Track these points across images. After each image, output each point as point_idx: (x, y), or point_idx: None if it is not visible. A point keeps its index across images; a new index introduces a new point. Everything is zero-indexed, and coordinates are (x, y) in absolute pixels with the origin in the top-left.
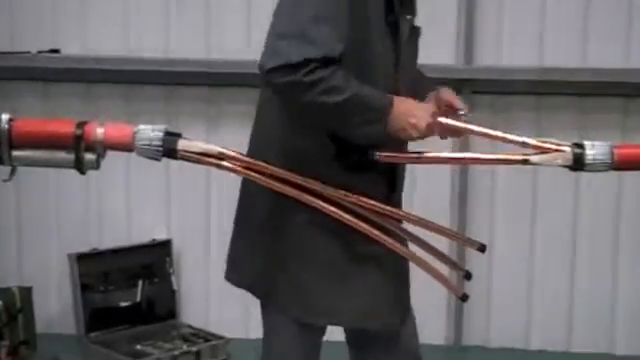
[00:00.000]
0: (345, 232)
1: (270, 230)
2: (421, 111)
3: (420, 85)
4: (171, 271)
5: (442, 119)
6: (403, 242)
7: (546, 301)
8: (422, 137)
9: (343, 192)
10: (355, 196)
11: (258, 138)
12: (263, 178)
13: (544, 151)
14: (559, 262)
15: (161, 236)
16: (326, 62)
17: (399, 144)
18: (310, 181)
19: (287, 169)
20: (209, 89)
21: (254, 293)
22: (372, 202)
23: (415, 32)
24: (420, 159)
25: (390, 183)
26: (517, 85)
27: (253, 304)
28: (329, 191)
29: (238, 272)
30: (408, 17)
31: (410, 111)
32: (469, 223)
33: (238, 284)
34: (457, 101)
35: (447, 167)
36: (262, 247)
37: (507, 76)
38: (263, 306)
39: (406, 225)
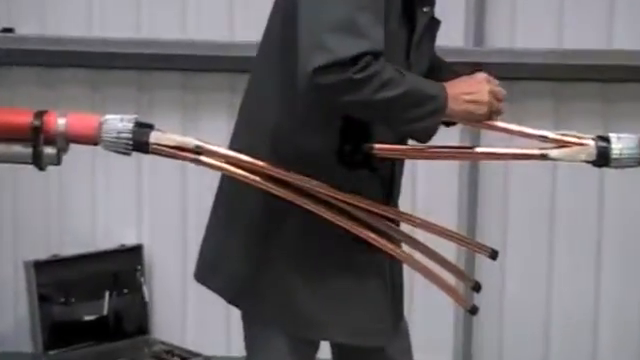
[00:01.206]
0: (341, 238)
1: (258, 232)
2: (475, 83)
3: (438, 73)
4: (142, 280)
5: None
6: (399, 247)
7: (567, 314)
8: (491, 110)
9: (340, 193)
10: (352, 195)
11: (247, 130)
12: (248, 176)
13: (564, 145)
14: (582, 270)
15: (131, 241)
16: (376, 55)
17: (398, 139)
18: (304, 179)
19: (282, 167)
20: (186, 74)
21: (235, 302)
22: (369, 202)
23: (433, 25)
24: (423, 153)
25: (387, 186)
26: (533, 70)
27: (235, 317)
28: (324, 191)
29: (217, 276)
30: (425, 9)
31: (463, 88)
32: (479, 226)
33: (218, 290)
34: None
35: (454, 163)
36: (247, 250)
37: (522, 59)
38: (246, 317)
39: (407, 229)
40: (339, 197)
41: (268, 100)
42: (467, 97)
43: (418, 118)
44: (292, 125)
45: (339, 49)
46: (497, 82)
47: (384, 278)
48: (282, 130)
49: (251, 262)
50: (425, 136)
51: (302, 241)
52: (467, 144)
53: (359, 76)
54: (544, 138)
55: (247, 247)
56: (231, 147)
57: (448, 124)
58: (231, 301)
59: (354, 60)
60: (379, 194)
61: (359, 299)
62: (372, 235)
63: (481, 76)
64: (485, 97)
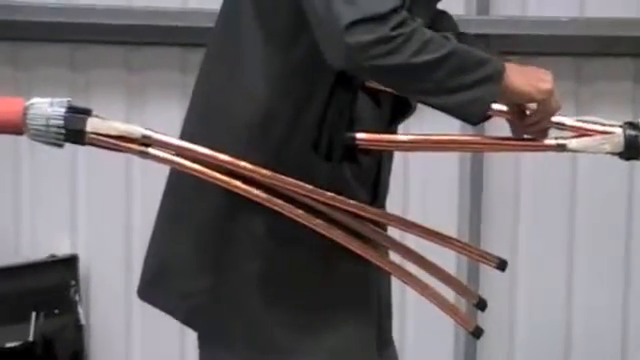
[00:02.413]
0: (317, 245)
1: (215, 238)
2: (537, 70)
3: None
4: (77, 299)
5: None
6: (386, 255)
7: (591, 337)
8: (548, 97)
9: (317, 191)
10: (331, 195)
11: (205, 114)
12: (206, 171)
13: (586, 133)
14: (608, 284)
15: (63, 251)
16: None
17: (385, 126)
18: (275, 176)
19: (249, 158)
20: (129, 49)
21: (189, 322)
22: (352, 203)
23: None
24: (416, 144)
25: (372, 184)
26: (549, 43)
27: (191, 341)
28: (298, 189)
29: (166, 292)
30: None
31: (522, 69)
32: (485, 231)
33: (167, 309)
34: None
35: (454, 155)
36: (201, 260)
37: (534, 30)
38: (202, 341)
39: (397, 234)
40: (315, 196)
41: (238, 83)
42: (526, 78)
43: (466, 86)
44: (271, 103)
45: (371, 2)
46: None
47: (369, 295)
48: (264, 121)
49: (206, 274)
50: (475, 111)
51: (269, 249)
52: (469, 133)
53: (396, 33)
54: (561, 125)
55: (201, 256)
56: (183, 136)
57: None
58: (185, 321)
59: (389, 15)
60: (363, 194)
61: (338, 320)
62: (355, 242)
63: (545, 71)
64: (547, 85)
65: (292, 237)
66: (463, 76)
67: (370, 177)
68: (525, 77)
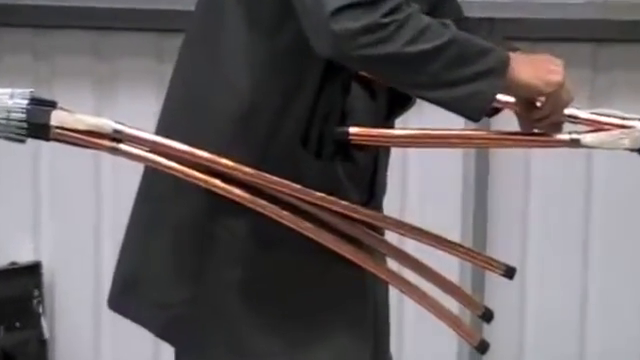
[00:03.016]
0: (305, 249)
1: (193, 243)
2: (548, 60)
3: None
4: (40, 310)
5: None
6: (383, 262)
7: (607, 351)
8: (558, 89)
9: (306, 191)
10: (321, 195)
11: (184, 106)
12: (184, 170)
13: (601, 127)
14: (627, 294)
15: (25, 258)
16: None
17: (382, 120)
18: (261, 175)
19: (233, 154)
20: (97, 34)
21: (165, 336)
22: (345, 204)
23: None
24: (416, 140)
25: (367, 184)
26: (562, 27)
27: (166, 356)
28: (286, 190)
29: (140, 302)
30: None
31: (530, 59)
32: (490, 235)
33: (140, 321)
34: None
35: (457, 151)
36: (178, 267)
37: (545, 14)
38: (180, 355)
39: (395, 239)
40: (303, 196)
41: (220, 72)
42: (534, 70)
43: (466, 79)
44: (255, 92)
45: None
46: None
47: (365, 302)
48: (248, 114)
49: (185, 283)
50: (476, 106)
51: (252, 253)
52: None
53: (388, 19)
54: (574, 119)
55: (179, 263)
56: (159, 131)
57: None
58: (161, 335)
59: (381, 0)
60: (357, 194)
61: (330, 331)
62: (347, 247)
63: (558, 60)
64: (558, 77)
65: (277, 239)
66: (462, 68)
67: (366, 176)
68: (533, 68)
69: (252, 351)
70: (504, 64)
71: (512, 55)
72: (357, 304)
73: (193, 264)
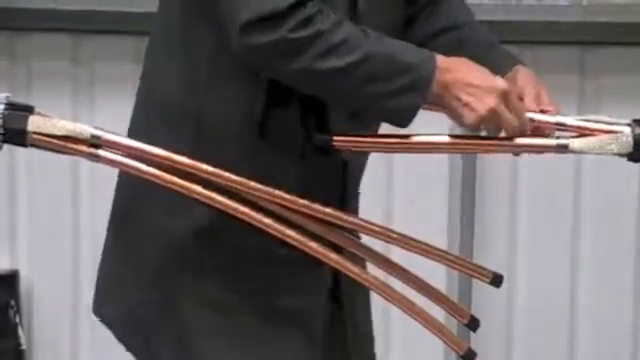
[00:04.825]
0: (265, 250)
1: (148, 242)
2: (486, 83)
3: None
4: (17, 320)
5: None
6: (363, 268)
7: (596, 355)
8: (474, 127)
9: (286, 196)
10: (303, 202)
11: (148, 109)
12: (162, 175)
13: (590, 133)
14: (617, 302)
15: (1, 267)
16: (320, 7)
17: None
18: (241, 182)
19: (197, 154)
20: (75, 37)
21: (123, 339)
22: (319, 207)
23: None
24: (401, 145)
25: (338, 181)
26: (547, 31)
27: None
28: (264, 195)
29: (110, 304)
30: None
31: (466, 81)
32: (478, 240)
33: (108, 323)
34: (544, 92)
35: (443, 155)
36: (141, 271)
37: (531, 16)
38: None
39: (378, 245)
40: (285, 203)
41: (170, 57)
42: (464, 94)
43: (383, 95)
44: (196, 86)
45: None
46: (519, 105)
47: (315, 300)
48: (184, 97)
49: (145, 285)
50: (399, 120)
51: (196, 250)
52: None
53: (296, 35)
54: (562, 126)
55: (141, 266)
56: (132, 134)
57: None
58: (120, 338)
59: (289, 13)
60: (326, 194)
61: (270, 334)
62: (324, 251)
63: (499, 83)
64: (482, 110)
65: (242, 246)
66: (379, 84)
67: (336, 169)
68: (454, 99)
69: (193, 353)
70: (426, 81)
71: (445, 72)
72: (304, 305)
73: (150, 268)
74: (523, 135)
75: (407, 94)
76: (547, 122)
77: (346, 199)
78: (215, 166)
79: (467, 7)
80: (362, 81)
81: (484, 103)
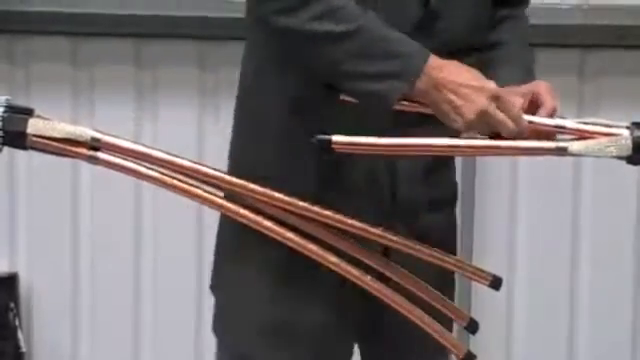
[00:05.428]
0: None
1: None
2: (477, 84)
3: (497, 71)
4: (17, 323)
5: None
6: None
7: (595, 358)
8: (466, 130)
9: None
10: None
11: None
12: (163, 178)
13: (589, 136)
14: (616, 297)
15: (1, 270)
16: None
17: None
18: (240, 184)
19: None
20: (75, 40)
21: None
22: (319, 210)
23: None
24: (401, 149)
25: (389, 182)
26: (548, 33)
27: None
28: (254, 193)
29: None
30: None
31: (456, 82)
32: (477, 243)
33: None
34: (551, 101)
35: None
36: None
37: (531, 19)
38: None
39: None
40: (290, 208)
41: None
42: (453, 96)
43: (368, 76)
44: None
45: None
46: (513, 106)
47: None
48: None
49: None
50: (374, 105)
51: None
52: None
53: None
54: (561, 129)
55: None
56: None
57: None
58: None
59: None
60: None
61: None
62: (331, 258)
63: (490, 85)
64: (470, 114)
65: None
66: (366, 62)
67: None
68: (443, 101)
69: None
70: (412, 73)
71: (440, 75)
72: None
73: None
74: (521, 137)
75: (392, 81)
76: (546, 125)
77: (394, 206)
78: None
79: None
80: (351, 55)
81: (475, 104)
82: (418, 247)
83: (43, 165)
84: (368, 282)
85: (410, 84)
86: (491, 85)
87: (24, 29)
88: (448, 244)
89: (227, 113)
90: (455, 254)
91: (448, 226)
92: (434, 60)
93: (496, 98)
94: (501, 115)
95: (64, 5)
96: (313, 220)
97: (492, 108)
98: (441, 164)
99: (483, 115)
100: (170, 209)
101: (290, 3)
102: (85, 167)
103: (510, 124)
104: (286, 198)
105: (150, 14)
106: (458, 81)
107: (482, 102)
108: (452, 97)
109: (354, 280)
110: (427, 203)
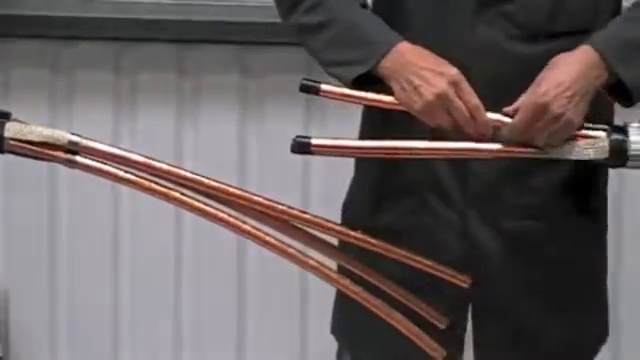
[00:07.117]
0: None
1: None
2: (439, 69)
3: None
4: None
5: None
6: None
7: None
8: (424, 113)
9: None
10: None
11: None
12: (141, 182)
13: (567, 137)
14: (615, 297)
15: None
16: None
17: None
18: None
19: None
20: (53, 44)
21: None
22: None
23: None
24: (382, 152)
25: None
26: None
27: None
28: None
29: None
30: None
31: (418, 65)
32: None
33: None
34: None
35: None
36: None
37: None
38: None
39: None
40: (249, 204)
41: None
42: (411, 76)
43: (337, 63)
44: None
45: None
46: (472, 96)
47: None
48: None
49: None
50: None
51: None
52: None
53: None
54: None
55: None
56: None
57: None
58: None
59: None
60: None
61: None
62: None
63: (451, 70)
64: (429, 95)
65: None
66: (334, 51)
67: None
68: (414, 74)
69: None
70: (374, 60)
71: (401, 59)
72: None
73: None
74: (480, 131)
75: (353, 66)
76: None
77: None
78: None
79: None
80: (324, 43)
81: (434, 87)
82: (393, 250)
83: (19, 171)
84: (348, 285)
85: (373, 68)
86: (453, 71)
87: (6, 32)
88: (553, 255)
89: (206, 117)
90: (575, 269)
91: (556, 236)
92: (403, 45)
93: (456, 84)
94: (459, 102)
95: (52, 9)
96: (293, 224)
97: (451, 93)
98: (543, 169)
99: (442, 98)
100: (149, 214)
101: (288, 3)
102: (62, 173)
103: (466, 112)
104: (265, 202)
105: (131, 17)
106: (420, 64)
107: (442, 85)
108: (412, 78)
109: (334, 285)
110: (511, 208)
